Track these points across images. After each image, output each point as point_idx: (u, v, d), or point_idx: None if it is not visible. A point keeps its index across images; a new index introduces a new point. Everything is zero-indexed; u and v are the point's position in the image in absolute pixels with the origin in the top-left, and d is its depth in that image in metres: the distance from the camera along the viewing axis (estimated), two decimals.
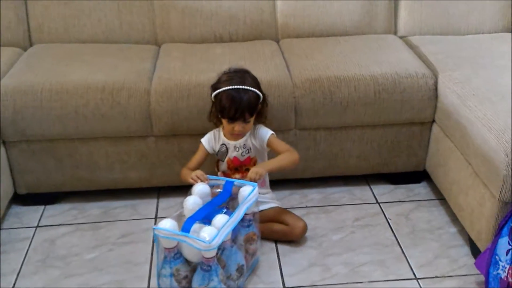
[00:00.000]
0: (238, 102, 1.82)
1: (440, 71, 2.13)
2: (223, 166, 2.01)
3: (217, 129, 1.99)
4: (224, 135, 1.97)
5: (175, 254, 1.67)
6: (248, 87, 1.85)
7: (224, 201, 1.76)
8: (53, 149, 2.09)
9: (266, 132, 1.95)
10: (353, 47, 2.36)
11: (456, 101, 1.96)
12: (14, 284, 1.81)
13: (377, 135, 2.19)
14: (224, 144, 1.97)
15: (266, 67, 2.17)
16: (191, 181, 1.83)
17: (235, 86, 1.84)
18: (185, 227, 1.63)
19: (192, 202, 1.73)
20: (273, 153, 1.98)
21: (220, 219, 1.66)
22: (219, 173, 2.03)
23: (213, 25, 2.46)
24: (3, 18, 2.37)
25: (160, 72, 2.16)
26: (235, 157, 1.96)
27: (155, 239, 1.68)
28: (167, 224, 1.64)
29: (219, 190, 1.80)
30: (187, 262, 1.69)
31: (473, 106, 1.88)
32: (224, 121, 1.90)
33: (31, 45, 2.42)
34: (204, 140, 1.98)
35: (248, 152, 1.96)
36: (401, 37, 2.51)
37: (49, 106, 2.00)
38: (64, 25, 2.41)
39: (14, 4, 2.38)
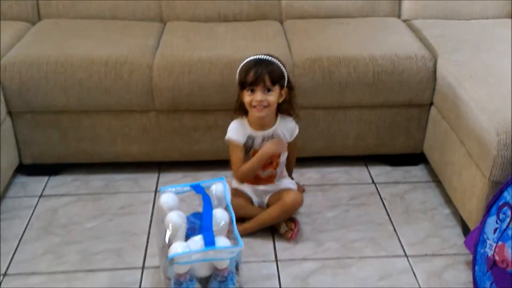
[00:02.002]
0: (260, 66, 1.77)
1: (439, 54, 2.15)
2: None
3: (240, 120, 1.89)
4: (250, 126, 1.88)
5: (190, 276, 1.59)
6: (273, 59, 1.81)
7: (211, 205, 1.67)
8: (57, 121, 2.15)
9: (295, 127, 1.93)
10: (355, 29, 2.38)
11: (453, 83, 1.98)
12: (16, 248, 1.88)
13: (375, 116, 2.21)
14: (250, 136, 1.88)
15: (268, 46, 2.20)
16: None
17: (260, 56, 1.83)
18: (209, 240, 1.54)
19: (177, 216, 1.62)
20: None
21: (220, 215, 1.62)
22: None
23: (218, 4, 2.49)
24: None
25: (163, 48, 2.20)
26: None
27: (170, 271, 1.56)
28: (180, 247, 1.54)
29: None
30: (199, 280, 1.64)
31: (469, 87, 1.90)
32: (246, 95, 1.80)
33: (39, 19, 2.47)
34: (233, 136, 1.87)
35: None
36: (404, 21, 2.52)
37: (54, 78, 2.05)
38: (71, 1, 2.45)
39: None
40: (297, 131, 1.95)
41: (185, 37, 2.29)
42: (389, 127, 2.24)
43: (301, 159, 2.29)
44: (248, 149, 1.91)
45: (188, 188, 1.73)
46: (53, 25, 2.39)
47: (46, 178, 2.24)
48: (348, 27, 2.39)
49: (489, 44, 2.20)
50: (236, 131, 1.88)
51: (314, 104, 2.17)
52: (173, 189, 1.72)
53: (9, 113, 2.12)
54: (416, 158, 2.33)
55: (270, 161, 1.92)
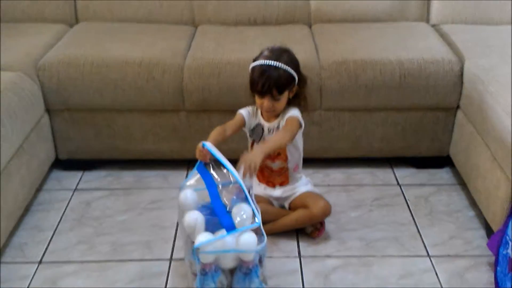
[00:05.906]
0: (267, 76, 1.81)
1: (467, 58, 2.16)
2: None
3: (256, 108, 1.96)
4: (261, 115, 1.94)
5: (215, 267, 1.64)
6: (280, 65, 1.84)
7: (215, 184, 1.70)
8: (93, 119, 2.24)
9: (290, 112, 1.88)
10: (383, 33, 2.41)
11: (480, 87, 2.00)
12: (51, 238, 1.97)
13: (401, 119, 2.24)
14: (260, 124, 1.94)
15: (296, 49, 2.19)
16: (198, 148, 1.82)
17: (268, 61, 1.85)
18: (228, 225, 1.58)
19: (190, 219, 1.65)
20: (307, 143, 1.99)
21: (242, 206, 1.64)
22: None
23: (248, 8, 2.56)
24: None
25: (194, 50, 2.27)
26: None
27: (196, 260, 1.61)
28: (204, 237, 1.59)
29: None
30: (225, 270, 1.68)
31: (495, 91, 1.91)
32: (256, 96, 1.88)
33: (77, 22, 2.59)
34: (242, 110, 1.95)
35: None
36: (433, 26, 2.54)
37: (90, 78, 2.14)
38: (108, 5, 2.56)
39: None
40: (290, 113, 1.87)
41: (216, 40, 2.36)
42: (415, 130, 2.26)
43: (327, 159, 2.35)
44: (258, 137, 1.94)
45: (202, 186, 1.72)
46: (90, 28, 2.50)
47: (80, 173, 2.34)
48: (375, 31, 2.43)
49: None
50: (247, 111, 1.95)
51: (340, 106, 2.21)
52: (188, 182, 1.75)
53: (47, 110, 2.22)
54: (441, 160, 2.35)
55: (278, 153, 1.94)
